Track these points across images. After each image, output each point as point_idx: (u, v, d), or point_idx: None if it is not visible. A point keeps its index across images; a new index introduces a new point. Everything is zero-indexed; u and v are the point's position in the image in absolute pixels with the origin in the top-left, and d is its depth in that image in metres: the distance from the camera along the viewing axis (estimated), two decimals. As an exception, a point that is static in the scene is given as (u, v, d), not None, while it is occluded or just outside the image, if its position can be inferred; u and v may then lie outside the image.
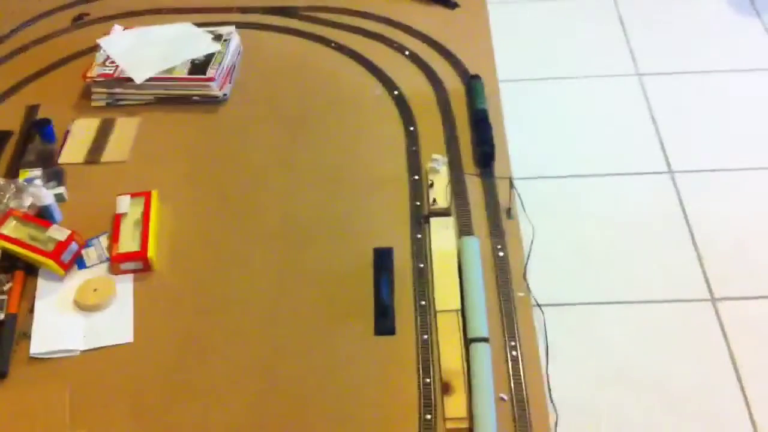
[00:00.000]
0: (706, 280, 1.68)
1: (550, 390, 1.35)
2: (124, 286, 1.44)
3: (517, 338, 1.33)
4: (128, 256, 1.46)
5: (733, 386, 1.51)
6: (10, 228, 1.48)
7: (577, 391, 1.47)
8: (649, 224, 1.80)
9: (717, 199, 1.85)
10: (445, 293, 1.38)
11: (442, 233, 1.48)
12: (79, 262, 1.48)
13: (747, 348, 1.56)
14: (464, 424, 1.21)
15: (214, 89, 1.78)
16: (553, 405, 1.36)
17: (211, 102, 1.80)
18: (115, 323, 1.39)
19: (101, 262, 1.48)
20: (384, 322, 1.36)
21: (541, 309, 1.54)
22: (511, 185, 1.54)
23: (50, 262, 1.43)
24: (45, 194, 1.54)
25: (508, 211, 1.53)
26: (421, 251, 1.47)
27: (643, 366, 1.54)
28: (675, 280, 1.68)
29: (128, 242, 1.48)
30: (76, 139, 1.74)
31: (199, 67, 1.80)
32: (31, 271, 1.46)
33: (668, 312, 1.63)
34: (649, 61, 2.23)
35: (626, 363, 1.55)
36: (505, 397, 1.25)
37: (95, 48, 1.88)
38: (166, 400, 1.29)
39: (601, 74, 2.21)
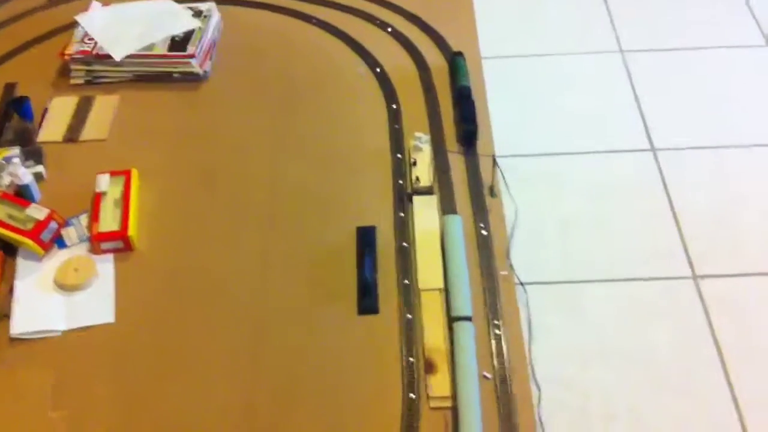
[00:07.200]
0: (688, 258, 1.69)
1: (533, 368, 1.36)
2: (105, 266, 1.43)
3: (500, 316, 1.33)
4: (109, 236, 1.44)
5: (714, 363, 1.52)
6: (-12, 207, 1.46)
7: (560, 369, 1.48)
8: (631, 202, 1.81)
9: (699, 177, 1.86)
10: (428, 272, 1.38)
11: (425, 211, 1.47)
12: (59, 241, 1.46)
13: (728, 325, 1.57)
14: (448, 403, 1.22)
15: (195, 66, 1.76)
16: (537, 382, 1.37)
17: (192, 79, 1.78)
18: (97, 303, 1.38)
19: (81, 241, 1.47)
20: (367, 301, 1.35)
21: (524, 287, 1.55)
22: (495, 163, 1.54)
23: (29, 242, 1.41)
24: (23, 173, 1.52)
25: (491, 189, 1.53)
26: (404, 230, 1.46)
27: (625, 343, 1.55)
28: (657, 258, 1.69)
29: (109, 221, 1.46)
30: (55, 118, 1.71)
31: (179, 43, 1.78)
32: (10, 251, 1.44)
33: (650, 289, 1.64)
34: (632, 38, 2.23)
35: (609, 340, 1.56)
36: (489, 376, 1.25)
37: (73, 25, 1.85)
38: (149, 380, 1.29)
39: (584, 51, 2.20)
